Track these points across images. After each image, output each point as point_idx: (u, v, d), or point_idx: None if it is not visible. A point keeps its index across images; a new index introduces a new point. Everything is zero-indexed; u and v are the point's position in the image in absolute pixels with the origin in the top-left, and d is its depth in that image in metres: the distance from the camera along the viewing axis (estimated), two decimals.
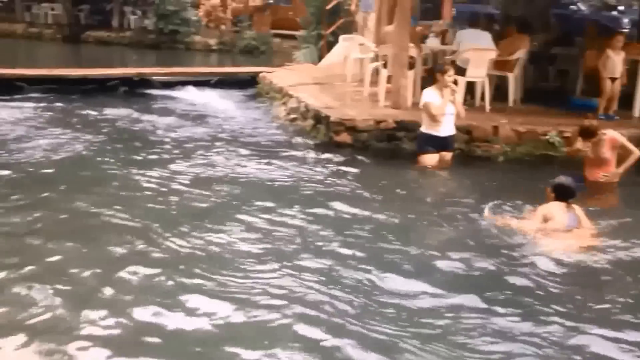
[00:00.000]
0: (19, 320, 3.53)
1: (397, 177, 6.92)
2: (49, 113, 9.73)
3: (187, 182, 6.29)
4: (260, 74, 12.48)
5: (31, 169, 6.66)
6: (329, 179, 6.63)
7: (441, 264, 4.49)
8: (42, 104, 10.37)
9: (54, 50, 22.13)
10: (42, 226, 5.01)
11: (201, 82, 12.62)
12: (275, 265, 4.33)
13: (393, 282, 4.16)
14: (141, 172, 6.55)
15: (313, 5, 16.57)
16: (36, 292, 3.81)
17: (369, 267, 4.35)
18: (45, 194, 5.82)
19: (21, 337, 3.34)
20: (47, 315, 3.58)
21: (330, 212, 5.52)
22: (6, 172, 6.43)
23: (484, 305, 3.87)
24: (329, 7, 15.64)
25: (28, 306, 3.66)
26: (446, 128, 7.07)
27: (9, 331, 3.40)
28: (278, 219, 5.26)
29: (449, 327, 3.63)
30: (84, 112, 9.94)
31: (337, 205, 5.67)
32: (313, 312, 3.68)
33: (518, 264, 4.54)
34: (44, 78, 11.77)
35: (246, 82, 12.75)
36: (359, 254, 4.61)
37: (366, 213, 5.52)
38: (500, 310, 3.83)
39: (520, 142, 7.81)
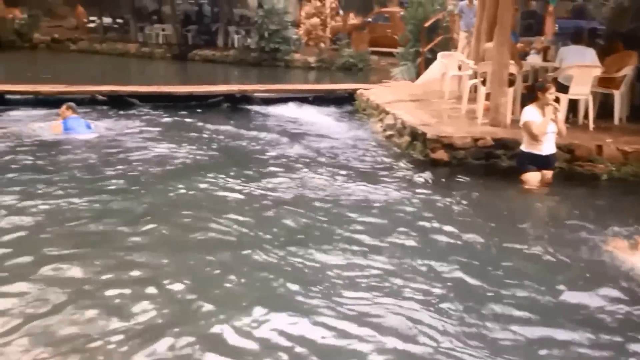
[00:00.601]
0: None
1: (498, 196, 6.81)
2: (157, 127, 10.30)
3: (286, 198, 6.40)
4: (358, 91, 12.66)
5: (140, 179, 7.12)
6: (427, 198, 6.59)
7: (572, 302, 4.16)
8: (151, 119, 11.02)
9: (163, 68, 23.44)
10: (148, 234, 5.34)
11: (300, 99, 12.95)
12: (375, 292, 4.27)
13: (512, 320, 3.87)
14: (241, 186, 6.78)
15: (411, 23, 16.60)
16: (138, 299, 4.08)
17: (484, 302, 4.12)
18: (151, 202, 6.22)
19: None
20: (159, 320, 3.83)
21: (433, 234, 5.43)
22: (118, 182, 6.93)
23: None
24: (427, 24, 15.62)
25: (130, 315, 3.91)
26: (548, 146, 6.90)
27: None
28: (376, 242, 5.18)
29: None
30: (189, 126, 10.47)
31: (439, 226, 5.60)
32: (414, 346, 3.59)
33: None
34: (154, 95, 12.50)
35: (344, 99, 12.98)
36: (472, 281, 4.44)
37: (470, 235, 5.39)
38: None
39: (626, 162, 7.47)
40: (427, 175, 7.38)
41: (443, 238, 5.36)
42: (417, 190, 6.82)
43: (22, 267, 4.59)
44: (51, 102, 11.36)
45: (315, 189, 6.77)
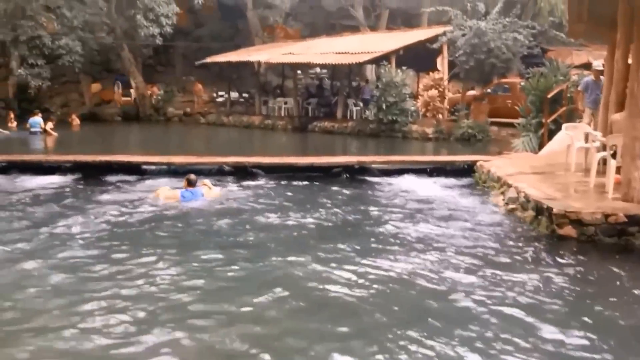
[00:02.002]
0: None
1: (636, 278, 6.36)
2: (278, 197, 10.66)
3: (403, 277, 6.23)
4: (478, 163, 12.48)
5: (263, 247, 7.38)
6: (556, 277, 6.25)
7: None
8: (273, 189, 11.44)
9: (285, 139, 24.45)
10: (275, 305, 5.49)
11: (418, 170, 12.97)
12: None
13: None
14: (353, 260, 6.77)
15: (533, 94, 16.29)
16: None
17: None
18: (270, 271, 6.41)
19: None
20: None
21: (574, 323, 5.04)
22: (240, 251, 7.23)
23: None
24: (550, 94, 15.26)
25: None
26: None
27: None
28: (505, 334, 4.81)
29: None
30: (309, 197, 10.76)
31: (573, 313, 5.23)
32: None
33: None
34: (276, 166, 13.04)
35: (463, 171, 12.83)
36: None
37: (608, 325, 5.02)
38: None
39: None
40: (552, 252, 7.05)
41: (575, 324, 4.98)
42: (543, 269, 6.50)
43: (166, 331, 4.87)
44: (182, 172, 12.16)
45: (429, 269, 6.56)
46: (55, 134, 22.89)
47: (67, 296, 5.63)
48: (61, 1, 28.62)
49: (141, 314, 5.17)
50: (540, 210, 8.15)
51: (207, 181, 10.50)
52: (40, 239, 7.62)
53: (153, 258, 6.78)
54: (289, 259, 6.83)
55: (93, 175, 12.29)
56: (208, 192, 10.21)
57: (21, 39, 27.93)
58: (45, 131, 22.99)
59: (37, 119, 23.64)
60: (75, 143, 20.77)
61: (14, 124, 25.96)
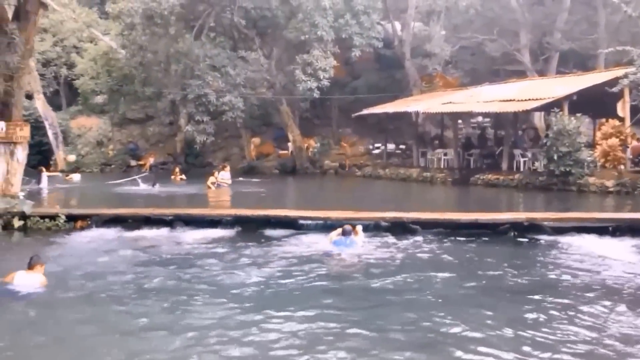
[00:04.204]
0: None
1: None
2: (435, 255, 10.38)
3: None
4: None
5: (413, 305, 7.13)
6: None
7: None
8: (431, 246, 11.14)
9: (444, 192, 23.97)
10: None
11: (598, 229, 11.98)
12: None
13: None
14: (514, 331, 6.36)
15: None
16: None
17: None
18: (422, 333, 6.13)
19: None
20: None
21: None
22: (382, 311, 7.01)
23: None
24: None
25: None
26: None
27: None
28: None
29: None
30: (471, 256, 10.35)
31: None
32: None
33: None
34: (436, 222, 12.73)
35: None
36: None
37: None
38: None
39: None
40: None
41: None
42: None
43: None
44: (338, 227, 12.29)
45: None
46: (213, 187, 24.29)
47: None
48: (226, 60, 30.92)
49: None
50: None
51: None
52: (196, 291, 8.00)
53: (312, 313, 6.80)
54: (446, 320, 6.59)
55: (252, 229, 12.83)
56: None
57: (189, 97, 30.44)
58: (218, 185, 24.45)
59: (226, 173, 25.33)
60: (236, 197, 21.92)
61: (178, 177, 28.10)
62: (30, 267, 8.24)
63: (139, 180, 24.90)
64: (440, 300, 7.63)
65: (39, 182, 24.43)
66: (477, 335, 6.24)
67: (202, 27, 31.57)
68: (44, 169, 26.03)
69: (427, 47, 33.29)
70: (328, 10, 30.39)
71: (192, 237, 12.33)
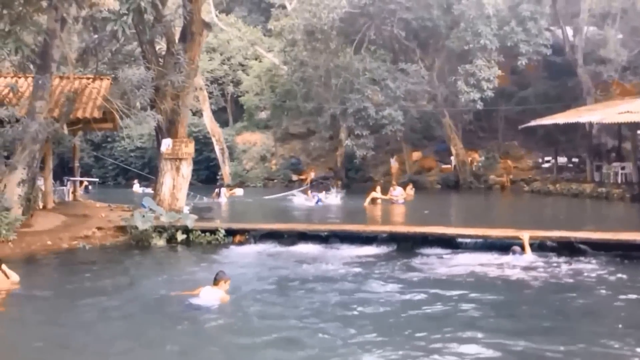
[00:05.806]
0: None
1: None
2: (611, 281, 9.87)
3: None
4: None
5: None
6: None
7: None
8: (605, 270, 10.59)
9: (621, 210, 22.47)
10: None
11: None
12: None
13: None
14: None
15: None
16: None
17: None
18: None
19: None
20: None
21: None
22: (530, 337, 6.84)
23: None
24: None
25: None
26: None
27: None
28: None
29: None
30: None
31: None
32: None
33: None
34: (609, 243, 12.03)
35: None
36: None
37: None
38: None
39: None
40: None
41: None
42: None
43: None
44: (499, 246, 12.11)
45: None
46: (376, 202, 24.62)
47: None
48: (386, 73, 31.43)
49: None
50: None
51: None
52: (363, 308, 8.25)
53: (491, 337, 6.82)
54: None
55: (407, 247, 12.94)
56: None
57: (349, 112, 31.29)
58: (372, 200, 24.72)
59: (399, 190, 25.72)
60: (393, 214, 22.17)
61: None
62: (216, 282, 8.65)
63: (296, 194, 26.10)
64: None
65: (218, 195, 27.24)
66: None
67: (362, 40, 32.43)
68: (225, 189, 28.88)
69: (601, 53, 31.46)
70: (492, 17, 29.91)
71: (345, 253, 12.62)
